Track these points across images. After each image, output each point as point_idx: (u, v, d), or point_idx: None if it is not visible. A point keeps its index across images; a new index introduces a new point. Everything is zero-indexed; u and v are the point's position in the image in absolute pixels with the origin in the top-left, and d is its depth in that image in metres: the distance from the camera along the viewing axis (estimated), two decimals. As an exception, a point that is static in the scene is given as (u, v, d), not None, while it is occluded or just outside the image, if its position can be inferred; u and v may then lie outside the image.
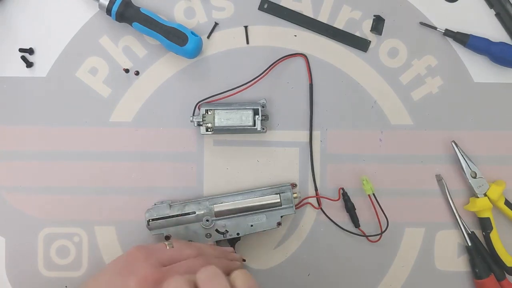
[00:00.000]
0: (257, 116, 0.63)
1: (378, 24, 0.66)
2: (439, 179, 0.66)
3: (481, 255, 0.64)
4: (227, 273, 0.54)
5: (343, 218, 0.66)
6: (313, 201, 0.66)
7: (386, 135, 0.66)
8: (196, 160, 0.66)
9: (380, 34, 0.66)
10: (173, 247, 0.54)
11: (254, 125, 0.63)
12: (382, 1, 0.66)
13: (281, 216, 0.63)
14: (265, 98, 0.64)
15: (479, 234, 0.65)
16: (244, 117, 0.63)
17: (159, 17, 0.63)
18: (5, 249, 0.66)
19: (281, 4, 0.66)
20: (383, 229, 0.65)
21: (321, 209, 0.66)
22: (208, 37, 0.66)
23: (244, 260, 0.65)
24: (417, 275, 0.66)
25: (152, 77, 0.66)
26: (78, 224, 0.66)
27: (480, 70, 0.66)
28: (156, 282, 0.48)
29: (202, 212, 0.62)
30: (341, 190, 0.65)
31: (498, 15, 0.65)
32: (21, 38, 0.66)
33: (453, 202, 0.65)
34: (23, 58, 0.66)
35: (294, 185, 0.65)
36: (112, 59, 0.66)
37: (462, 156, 0.64)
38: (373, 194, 0.64)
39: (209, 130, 0.63)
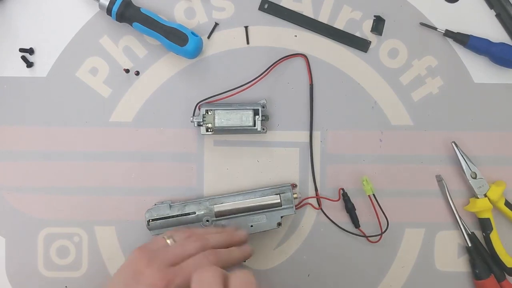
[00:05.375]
0: (257, 117, 0.63)
1: (378, 25, 0.66)
2: (439, 179, 0.66)
3: (481, 255, 0.64)
4: (233, 261, 0.54)
5: (343, 218, 0.66)
6: (313, 201, 0.66)
7: (386, 135, 0.66)
8: (196, 160, 0.66)
9: (381, 34, 0.66)
10: (173, 240, 0.52)
11: (254, 125, 0.63)
12: (383, 1, 0.66)
13: (281, 217, 0.63)
14: (265, 98, 0.64)
15: (479, 234, 0.65)
16: (244, 118, 0.63)
17: (159, 17, 0.63)
18: (5, 249, 0.66)
19: (282, 4, 0.66)
20: (383, 230, 0.65)
21: (321, 209, 0.66)
22: (208, 37, 0.66)
23: (244, 261, 0.65)
24: (417, 275, 0.66)
25: (152, 77, 0.66)
26: (78, 224, 0.66)
27: (480, 70, 0.66)
28: (167, 285, 0.46)
29: (202, 212, 0.62)
30: (341, 190, 0.65)
31: (498, 15, 0.65)
32: (21, 38, 0.66)
33: (453, 203, 0.65)
34: (23, 58, 0.65)
35: (294, 186, 0.65)
36: (112, 59, 0.66)
37: (462, 156, 0.64)
38: (373, 195, 0.64)
39: (209, 130, 0.63)
